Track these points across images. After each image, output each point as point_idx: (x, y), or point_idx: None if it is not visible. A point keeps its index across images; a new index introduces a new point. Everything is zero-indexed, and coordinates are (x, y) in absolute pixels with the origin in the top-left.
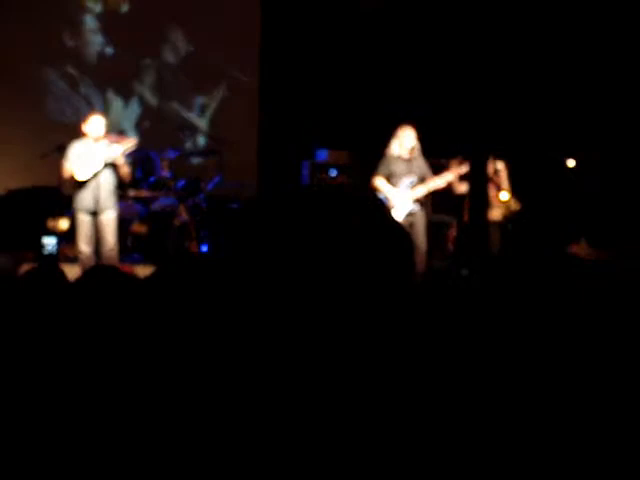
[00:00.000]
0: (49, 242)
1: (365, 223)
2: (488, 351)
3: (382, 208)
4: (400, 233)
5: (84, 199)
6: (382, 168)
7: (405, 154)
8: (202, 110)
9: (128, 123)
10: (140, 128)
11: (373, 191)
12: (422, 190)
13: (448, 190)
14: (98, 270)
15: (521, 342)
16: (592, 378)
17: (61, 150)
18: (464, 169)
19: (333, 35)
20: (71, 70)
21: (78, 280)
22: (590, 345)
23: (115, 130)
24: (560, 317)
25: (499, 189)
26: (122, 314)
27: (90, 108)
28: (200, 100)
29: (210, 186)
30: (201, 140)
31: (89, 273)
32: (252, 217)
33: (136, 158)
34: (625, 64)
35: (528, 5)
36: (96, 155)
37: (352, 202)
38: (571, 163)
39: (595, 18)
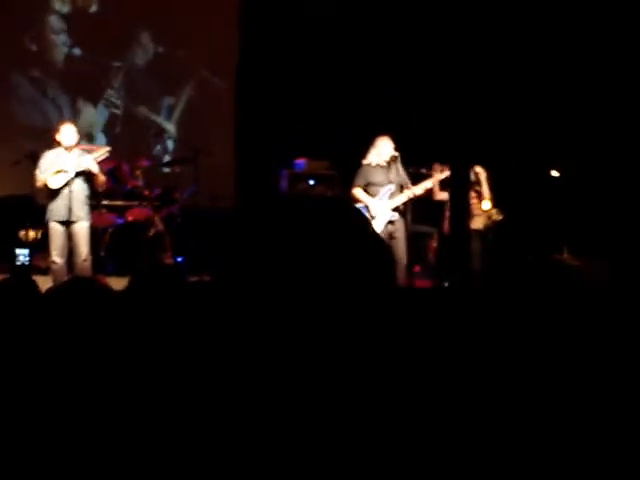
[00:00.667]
0: (21, 253)
1: (344, 233)
2: (473, 360)
3: (361, 218)
4: (379, 243)
5: (57, 209)
6: (360, 178)
7: (383, 163)
8: (170, 113)
9: (97, 127)
10: (109, 132)
11: (352, 201)
12: (401, 199)
13: (428, 200)
14: (73, 282)
15: (506, 351)
16: (581, 383)
17: (33, 158)
18: (443, 175)
19: (312, 42)
20: (37, 73)
21: (51, 291)
22: (576, 351)
23: (84, 134)
24: (544, 325)
25: (480, 197)
26: (97, 326)
27: (58, 111)
28: (168, 102)
29: (186, 195)
30: (173, 147)
31: (65, 285)
32: (232, 229)
33: (109, 167)
34: (612, 73)
35: (510, 13)
36: (68, 164)
37: (331, 212)
38: (554, 173)
39: (579, 25)
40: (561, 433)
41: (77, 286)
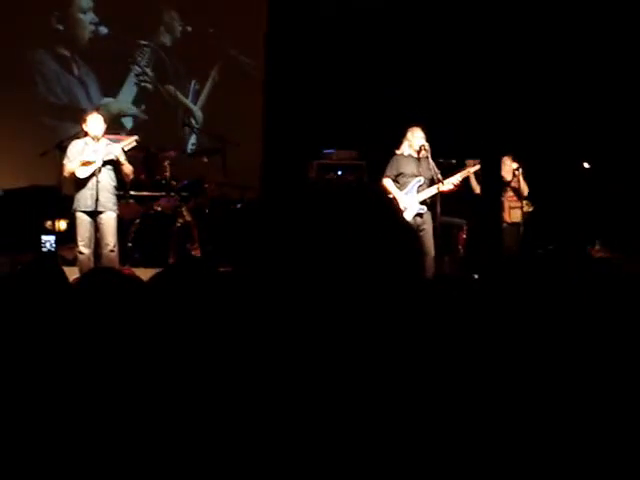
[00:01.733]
0: (47, 240)
1: (374, 221)
2: (498, 355)
3: (391, 206)
4: (408, 231)
5: (83, 199)
6: (391, 169)
7: (414, 154)
8: (196, 97)
9: (125, 107)
10: (139, 109)
11: (381, 192)
12: (430, 192)
13: (458, 192)
14: (98, 273)
15: (533, 346)
16: (607, 379)
17: (61, 148)
18: (474, 169)
19: (344, 32)
20: (63, 51)
21: (77, 282)
22: (606, 347)
23: (108, 115)
24: (574, 319)
25: (518, 190)
26: (124, 318)
27: (84, 89)
28: (194, 86)
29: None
30: (197, 134)
31: (89, 276)
32: (258, 217)
33: (137, 157)
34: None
35: (544, 6)
36: (96, 153)
37: (360, 200)
38: (586, 165)
39: (610, 22)
40: (578, 431)
41: (101, 277)
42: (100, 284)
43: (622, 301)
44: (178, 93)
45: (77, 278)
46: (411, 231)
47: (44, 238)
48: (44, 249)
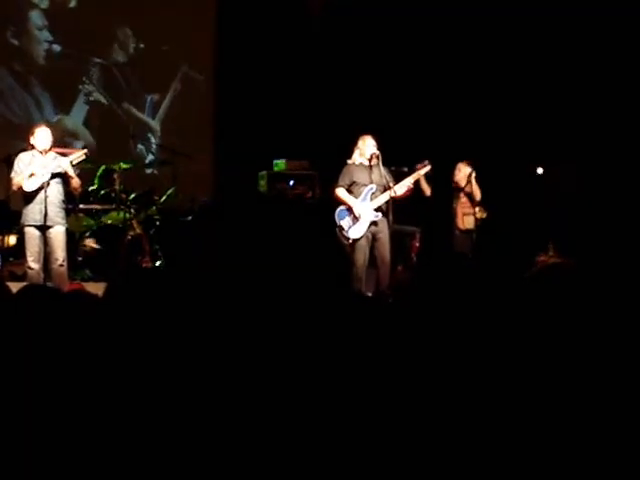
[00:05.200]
0: None
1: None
2: (456, 361)
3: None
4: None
5: (32, 213)
6: (343, 178)
7: (366, 162)
8: (154, 110)
9: (77, 125)
10: (89, 129)
11: (335, 201)
12: (383, 198)
13: (410, 199)
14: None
15: (490, 349)
16: (573, 386)
17: (8, 162)
18: (424, 171)
19: (292, 42)
20: (18, 67)
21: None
22: (564, 352)
23: (64, 132)
24: (530, 324)
25: (472, 195)
26: (76, 333)
27: (38, 108)
28: (152, 99)
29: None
30: (155, 148)
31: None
32: (201, 227)
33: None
34: (600, 70)
35: (496, 11)
36: (44, 167)
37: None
38: (539, 170)
39: (565, 21)
40: (562, 433)
41: (32, 293)
42: (38, 299)
43: (572, 307)
44: (133, 109)
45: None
46: (340, 247)
47: None
48: None
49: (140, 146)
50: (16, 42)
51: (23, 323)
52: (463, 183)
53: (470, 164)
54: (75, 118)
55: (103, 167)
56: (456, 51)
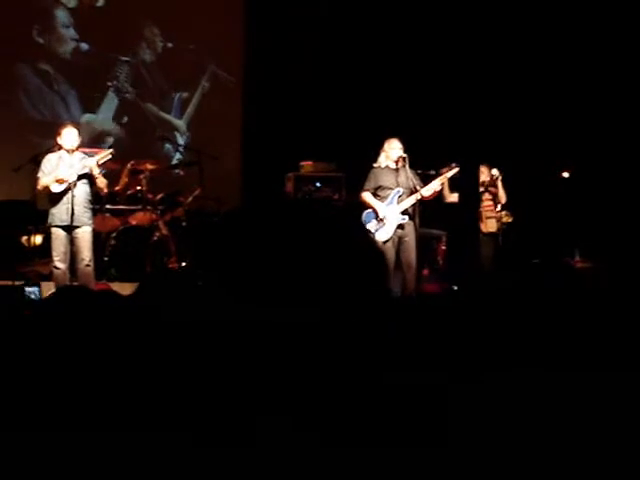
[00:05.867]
0: (32, 291)
1: (339, 239)
2: (483, 366)
3: (357, 224)
4: (374, 251)
5: (59, 213)
6: (369, 182)
7: (392, 165)
8: (181, 110)
9: (107, 122)
10: (119, 123)
11: (361, 205)
12: (410, 201)
13: (437, 203)
14: (68, 291)
15: (517, 356)
16: (593, 389)
17: (36, 162)
18: (451, 173)
19: (321, 46)
20: (44, 66)
21: (46, 301)
22: (589, 356)
23: (89, 131)
24: (556, 329)
25: (495, 200)
26: (102, 335)
27: (65, 106)
28: (180, 97)
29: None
30: (180, 151)
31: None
32: (229, 230)
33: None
34: (625, 77)
35: (524, 11)
36: (70, 167)
37: (330, 220)
38: (565, 174)
39: (592, 25)
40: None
41: (69, 296)
42: (68, 302)
43: (603, 312)
44: (159, 109)
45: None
46: (378, 254)
47: (28, 290)
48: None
49: (168, 146)
50: (42, 40)
51: (59, 324)
52: (485, 186)
53: (493, 166)
54: (104, 116)
55: (129, 166)
56: (484, 54)
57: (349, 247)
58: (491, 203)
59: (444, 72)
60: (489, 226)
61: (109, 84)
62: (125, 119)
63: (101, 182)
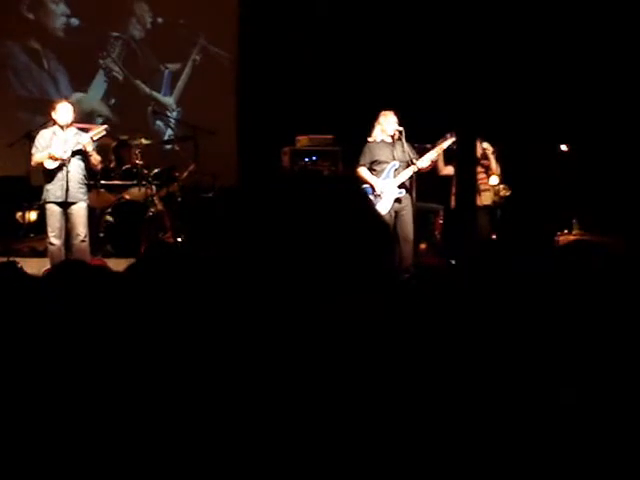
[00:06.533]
0: None
1: (344, 212)
2: (482, 344)
3: (361, 196)
4: (379, 222)
5: (53, 189)
6: (364, 157)
7: (388, 139)
8: (171, 86)
9: (95, 99)
10: (107, 104)
11: (357, 180)
12: (407, 174)
13: (433, 177)
14: (67, 266)
15: (516, 334)
16: (591, 368)
17: (30, 138)
18: (447, 143)
19: (315, 18)
20: (34, 43)
21: (47, 276)
22: (588, 338)
23: (82, 108)
24: (554, 304)
25: (488, 172)
26: (98, 311)
27: (54, 83)
28: (170, 70)
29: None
30: (174, 124)
31: (58, 269)
32: (230, 205)
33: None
34: (620, 50)
35: None
36: (65, 142)
37: (331, 190)
38: (564, 147)
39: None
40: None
41: (72, 269)
42: (70, 277)
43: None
44: (149, 87)
45: (47, 270)
46: (384, 225)
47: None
48: None
49: (159, 123)
50: (31, 16)
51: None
52: (479, 158)
53: (485, 140)
54: (94, 94)
55: (115, 144)
56: (479, 26)
57: (351, 221)
58: (484, 176)
59: (440, 45)
60: (484, 199)
61: (101, 62)
62: (113, 100)
63: (95, 159)
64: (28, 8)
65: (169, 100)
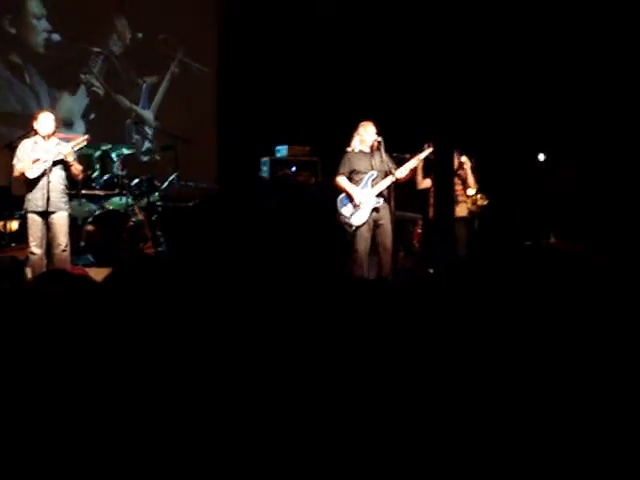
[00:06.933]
0: None
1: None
2: (460, 348)
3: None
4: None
5: (34, 199)
6: (343, 166)
7: (366, 149)
8: (149, 99)
9: (76, 114)
10: (88, 119)
11: (335, 189)
12: (385, 183)
13: (412, 186)
14: (49, 275)
15: (492, 339)
16: (575, 372)
17: (11, 148)
18: (425, 154)
19: (294, 29)
20: (15, 58)
21: (31, 285)
22: (569, 339)
23: (62, 121)
24: (530, 312)
25: (465, 183)
26: (78, 320)
27: (35, 98)
28: (149, 84)
29: (166, 183)
30: (152, 134)
31: (41, 278)
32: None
33: (91, 155)
34: (596, 60)
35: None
36: (46, 153)
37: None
38: (541, 156)
39: (563, 11)
40: (557, 426)
41: (55, 278)
42: (53, 286)
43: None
44: (128, 99)
45: (30, 279)
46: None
47: None
48: None
49: (136, 136)
50: (13, 31)
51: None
52: (456, 169)
53: (462, 152)
54: (73, 107)
55: (100, 152)
56: (457, 37)
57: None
58: (460, 188)
59: (418, 55)
60: (460, 210)
61: (82, 76)
62: (93, 115)
63: (75, 169)
64: (10, 23)
65: (148, 113)
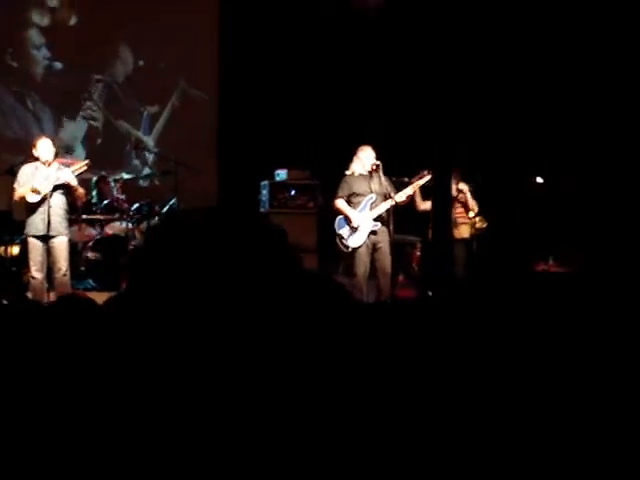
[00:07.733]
0: None
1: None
2: (457, 371)
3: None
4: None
5: (35, 223)
6: (343, 189)
7: (365, 173)
8: (150, 125)
9: (77, 139)
10: (89, 145)
11: (335, 212)
12: (383, 207)
13: (411, 209)
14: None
15: (490, 362)
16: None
17: (12, 173)
18: (423, 181)
19: (292, 53)
20: (17, 87)
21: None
22: (563, 360)
23: (64, 147)
24: (529, 335)
25: (465, 206)
26: (84, 342)
27: (38, 124)
28: (149, 112)
29: (165, 207)
30: (152, 160)
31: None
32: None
33: (90, 181)
34: (591, 82)
35: (494, 20)
36: (47, 178)
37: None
38: (539, 179)
39: (560, 31)
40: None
41: (69, 304)
42: (68, 311)
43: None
44: (129, 126)
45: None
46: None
47: None
48: None
49: (135, 161)
50: (15, 64)
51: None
52: (454, 193)
53: (461, 177)
54: (74, 133)
55: (95, 178)
56: (455, 61)
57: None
58: (462, 210)
59: (416, 80)
60: (462, 232)
61: (82, 103)
62: (96, 138)
63: (80, 193)
64: (11, 57)
65: (148, 139)
